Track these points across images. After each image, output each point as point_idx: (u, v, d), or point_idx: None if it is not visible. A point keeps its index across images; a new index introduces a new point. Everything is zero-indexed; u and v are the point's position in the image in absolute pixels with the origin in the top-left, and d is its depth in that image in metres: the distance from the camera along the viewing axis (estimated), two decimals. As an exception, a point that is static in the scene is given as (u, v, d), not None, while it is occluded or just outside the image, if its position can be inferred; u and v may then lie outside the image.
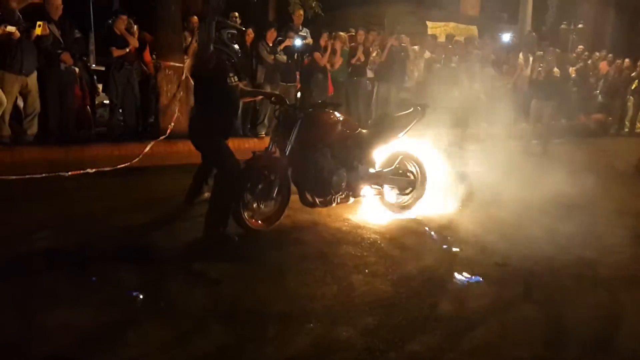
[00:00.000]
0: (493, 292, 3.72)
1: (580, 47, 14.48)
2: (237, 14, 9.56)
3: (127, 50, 7.91)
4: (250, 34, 8.75)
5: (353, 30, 10.66)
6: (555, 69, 11.02)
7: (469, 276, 3.97)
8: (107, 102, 8.53)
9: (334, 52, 9.49)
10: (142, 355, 2.77)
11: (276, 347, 2.91)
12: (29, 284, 3.53)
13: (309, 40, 9.62)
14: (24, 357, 2.76)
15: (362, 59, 10.03)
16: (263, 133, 8.86)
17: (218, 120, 4.51)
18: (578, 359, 2.99)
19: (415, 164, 5.43)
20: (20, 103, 7.21)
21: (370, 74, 10.39)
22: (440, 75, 10.43)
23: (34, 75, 7.03)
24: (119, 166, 6.79)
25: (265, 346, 2.91)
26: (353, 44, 10.25)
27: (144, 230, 4.64)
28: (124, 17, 7.99)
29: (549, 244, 4.74)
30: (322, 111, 4.89)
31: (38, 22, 6.76)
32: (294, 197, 4.82)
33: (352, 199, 5.10)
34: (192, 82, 8.36)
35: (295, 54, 9.29)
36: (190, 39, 8.44)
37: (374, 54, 10.23)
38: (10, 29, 6.62)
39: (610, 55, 14.00)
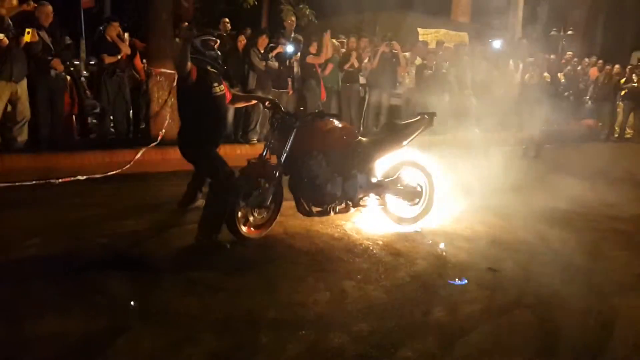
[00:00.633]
0: (486, 297, 3.72)
1: (570, 53, 14.60)
2: (227, 19, 9.58)
3: (119, 57, 7.89)
4: (242, 40, 8.76)
5: (343, 36, 10.70)
6: (545, 74, 11.10)
7: (461, 282, 3.97)
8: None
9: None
10: (132, 364, 2.75)
11: (268, 354, 2.89)
12: (18, 292, 3.48)
13: (300, 39, 9.64)
14: (12, 367, 2.73)
15: (356, 64, 10.07)
16: (255, 139, 8.85)
17: (206, 130, 4.50)
18: (571, 364, 2.99)
19: (422, 175, 5.19)
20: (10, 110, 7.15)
21: (362, 80, 10.43)
22: (431, 81, 10.48)
23: (24, 82, 7.00)
24: (109, 173, 6.75)
25: (258, 354, 2.89)
26: (344, 50, 10.29)
27: (135, 237, 4.60)
28: (116, 23, 7.97)
29: (541, 249, 4.76)
30: (319, 119, 4.81)
31: (27, 29, 6.74)
32: (287, 204, 4.80)
33: (352, 209, 4.95)
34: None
35: (287, 61, 9.30)
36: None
37: (366, 60, 10.27)
38: (0, 36, 6.59)
39: (600, 61, 14.13)
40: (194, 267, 3.97)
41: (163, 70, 8.06)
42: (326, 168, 4.69)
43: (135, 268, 3.97)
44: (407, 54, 10.94)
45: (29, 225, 4.76)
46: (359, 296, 3.62)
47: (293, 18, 10.38)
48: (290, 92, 9.44)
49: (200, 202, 4.92)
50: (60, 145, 7.31)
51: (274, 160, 4.63)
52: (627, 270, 4.36)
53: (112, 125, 8.24)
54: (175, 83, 8.10)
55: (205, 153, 4.49)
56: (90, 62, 9.64)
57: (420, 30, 13.71)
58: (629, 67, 13.93)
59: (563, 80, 12.76)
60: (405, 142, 5.13)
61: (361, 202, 4.98)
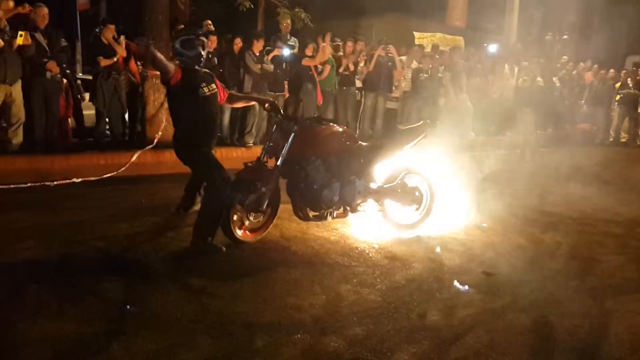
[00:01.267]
0: (481, 301, 3.73)
1: (565, 57, 14.67)
2: (209, 21, 9.57)
3: (115, 59, 7.88)
4: (238, 43, 8.76)
5: (339, 40, 10.71)
6: (539, 79, 11.14)
7: (457, 285, 3.98)
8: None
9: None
10: (127, 368, 2.74)
11: (264, 358, 2.89)
12: (12, 295, 3.47)
13: (296, 50, 9.65)
14: (6, 371, 2.72)
15: (352, 68, 10.09)
16: (251, 142, 8.84)
17: (197, 131, 4.46)
18: (566, 367, 3.00)
19: (422, 181, 5.19)
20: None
21: (358, 83, 10.44)
22: (427, 85, 10.51)
23: (18, 84, 6.98)
24: (105, 176, 6.74)
25: (253, 358, 2.89)
26: (341, 53, 10.30)
27: (130, 240, 4.59)
28: (112, 26, 7.96)
29: (536, 253, 4.78)
30: (317, 124, 4.79)
31: (20, 32, 6.73)
32: (284, 207, 4.80)
33: (350, 214, 4.92)
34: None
35: (284, 64, 9.31)
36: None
37: (362, 64, 10.29)
38: (-5, 37, 6.58)
39: (595, 65, 14.20)
40: (189, 271, 3.97)
41: (159, 72, 8.04)
42: (324, 173, 4.67)
43: (131, 271, 3.97)
44: (403, 57, 10.97)
45: (23, 228, 4.75)
46: (355, 300, 3.62)
47: (288, 21, 10.38)
48: (287, 95, 9.44)
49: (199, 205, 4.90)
50: (55, 148, 7.29)
51: (271, 163, 4.62)
52: (621, 274, 4.39)
53: (107, 127, 8.22)
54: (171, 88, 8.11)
55: (199, 154, 4.47)
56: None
57: (416, 34, 13.74)
58: (623, 71, 13.99)
59: (558, 84, 12.81)
60: (406, 148, 5.11)
61: (360, 208, 4.95)
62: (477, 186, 6.27)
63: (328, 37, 9.59)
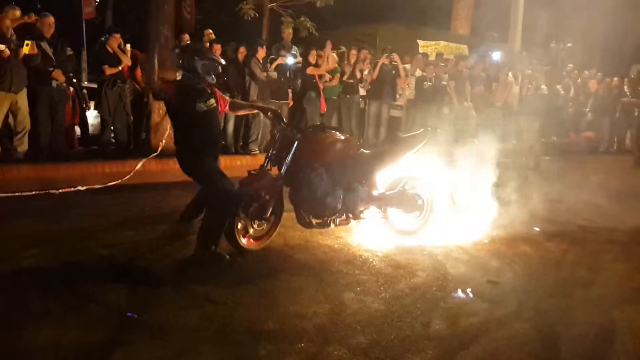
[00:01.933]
0: (485, 310, 3.71)
1: (570, 65, 14.67)
2: (210, 30, 9.64)
3: (120, 68, 7.93)
4: (243, 51, 8.81)
5: (343, 47, 10.75)
6: (543, 86, 11.13)
7: (461, 294, 3.96)
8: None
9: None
10: (130, 376, 2.74)
11: (267, 367, 2.88)
12: (16, 303, 3.48)
13: (299, 60, 9.69)
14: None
15: (359, 75, 10.13)
16: (256, 150, 8.87)
17: (195, 144, 4.42)
18: (571, 377, 2.98)
19: (424, 188, 5.21)
20: (11, 121, 7.18)
21: (362, 91, 10.47)
22: (431, 93, 10.52)
23: (24, 92, 7.03)
24: (109, 184, 6.77)
25: (256, 366, 2.88)
26: (345, 62, 10.34)
27: (135, 248, 4.60)
28: (117, 35, 8.03)
29: (541, 261, 4.75)
30: (320, 132, 4.80)
31: (26, 42, 6.79)
32: (287, 215, 4.80)
33: (352, 222, 4.93)
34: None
35: (288, 72, 9.35)
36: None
37: (366, 72, 10.32)
38: (0, 47, 6.63)
39: (599, 73, 14.19)
40: (193, 279, 3.96)
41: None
42: (327, 181, 4.67)
43: (135, 279, 3.96)
44: (407, 65, 11.00)
45: (28, 235, 4.76)
46: (358, 308, 3.61)
47: (290, 30, 10.42)
48: (291, 103, 9.47)
49: None
50: (60, 156, 7.33)
51: (275, 171, 4.63)
52: (626, 283, 4.35)
53: (112, 136, 8.26)
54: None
55: (200, 165, 4.46)
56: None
57: (420, 42, 13.76)
58: (626, 79, 13.97)
59: (562, 92, 12.81)
60: (408, 155, 5.12)
61: (362, 215, 4.96)
62: (480, 194, 6.24)
63: (329, 46, 9.64)
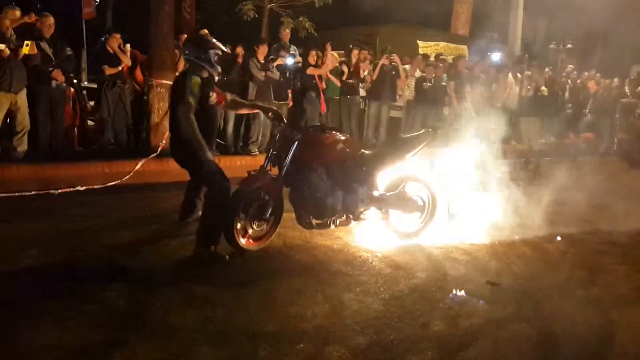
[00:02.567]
0: (485, 311, 3.71)
1: (571, 66, 14.67)
2: (206, 31, 9.64)
3: (120, 68, 7.93)
4: (241, 51, 8.80)
5: (353, 44, 10.76)
6: (543, 87, 11.13)
7: (460, 295, 3.96)
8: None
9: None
10: (129, 377, 2.73)
11: (266, 367, 2.88)
12: (15, 303, 3.48)
13: (298, 60, 9.69)
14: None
15: (361, 76, 10.13)
16: (256, 150, 8.86)
17: (195, 137, 4.40)
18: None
19: (425, 189, 5.19)
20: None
21: (362, 92, 10.47)
22: (430, 94, 10.52)
23: (24, 92, 7.03)
24: (109, 184, 6.76)
25: (255, 367, 2.88)
26: (344, 58, 10.35)
27: (134, 248, 4.60)
28: (118, 35, 8.02)
29: (540, 262, 4.76)
30: (320, 132, 4.79)
31: (26, 42, 6.79)
32: (287, 215, 4.80)
33: (353, 222, 4.92)
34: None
35: (287, 72, 9.35)
36: (179, 55, 8.49)
37: (366, 73, 10.33)
38: (0, 46, 6.64)
39: (598, 74, 14.19)
40: (192, 279, 3.96)
41: (164, 81, 8.09)
42: (327, 181, 4.66)
43: (134, 280, 3.96)
44: (407, 66, 11.00)
45: (27, 235, 4.76)
46: (358, 309, 3.61)
47: (288, 30, 10.43)
48: (290, 103, 9.47)
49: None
50: (60, 156, 7.32)
51: (275, 172, 4.63)
52: (626, 284, 4.36)
53: (112, 136, 8.26)
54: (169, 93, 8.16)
55: (202, 162, 4.43)
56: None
57: (420, 43, 13.77)
58: (627, 80, 13.98)
59: (560, 93, 12.81)
60: (408, 156, 5.11)
61: (362, 216, 4.95)
62: (480, 195, 6.24)
63: (329, 47, 9.65)
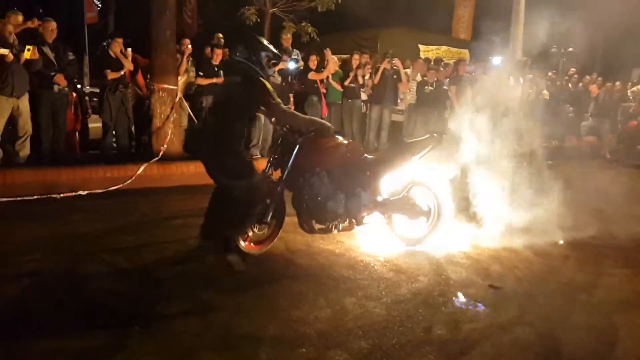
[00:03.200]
0: (487, 315, 3.70)
1: (573, 69, 14.67)
2: (220, 35, 9.66)
3: (122, 72, 7.95)
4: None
5: (360, 47, 10.78)
6: (545, 91, 11.12)
7: (463, 299, 3.95)
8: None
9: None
10: (131, 381, 2.73)
11: (268, 372, 2.87)
12: (17, 307, 3.48)
13: (301, 64, 9.71)
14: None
15: (362, 81, 10.14)
16: (257, 154, 8.87)
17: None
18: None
19: (430, 194, 5.14)
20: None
21: (363, 96, 10.48)
22: (432, 97, 10.53)
23: (26, 97, 7.05)
24: (111, 188, 6.77)
25: (257, 371, 2.88)
26: (343, 60, 10.38)
27: (135, 252, 4.60)
28: (120, 40, 8.04)
29: (542, 266, 4.75)
30: (321, 136, 4.71)
31: (27, 47, 6.82)
32: (289, 220, 4.80)
33: (355, 227, 4.88)
34: (185, 103, 8.46)
35: (289, 77, 9.37)
36: (181, 59, 8.51)
37: (367, 77, 10.34)
38: (4, 51, 6.66)
39: (600, 78, 14.19)
40: (194, 284, 3.96)
41: (166, 86, 8.11)
42: (329, 185, 4.63)
43: (135, 284, 3.96)
44: (408, 70, 11.02)
45: (29, 240, 4.77)
46: (360, 313, 3.60)
47: (289, 35, 10.44)
48: (292, 107, 9.48)
49: None
50: (62, 161, 7.34)
51: (277, 175, 4.62)
52: (628, 288, 4.35)
53: (114, 140, 8.27)
54: (183, 93, 8.18)
55: (240, 160, 4.33)
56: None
57: (421, 46, 13.80)
58: (629, 84, 13.98)
59: (562, 97, 12.82)
60: (412, 161, 5.08)
61: (365, 221, 4.90)
62: (482, 199, 6.23)
63: (328, 52, 9.67)
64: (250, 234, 4.53)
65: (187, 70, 8.65)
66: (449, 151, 5.77)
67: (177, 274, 4.18)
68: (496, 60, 13.64)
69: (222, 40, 9.59)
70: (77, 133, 8.21)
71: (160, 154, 7.82)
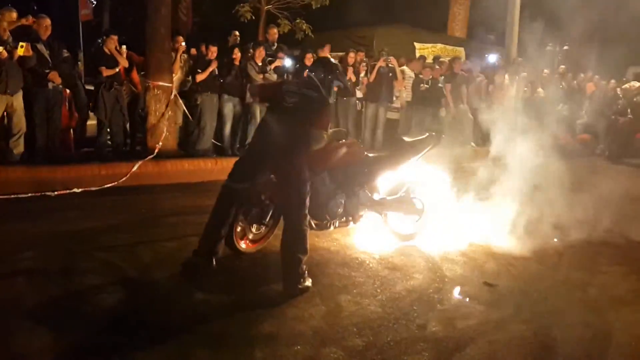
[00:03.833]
0: (482, 312, 3.71)
1: (562, 66, 14.71)
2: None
3: (117, 69, 7.92)
4: (237, 53, 8.79)
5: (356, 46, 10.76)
6: (540, 90, 11.14)
7: (458, 296, 3.97)
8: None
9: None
10: (126, 379, 2.73)
11: (263, 369, 2.87)
12: (11, 306, 3.46)
13: (282, 56, 9.68)
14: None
15: (354, 79, 10.12)
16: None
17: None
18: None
19: (424, 192, 5.22)
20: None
21: (359, 94, 10.47)
22: (427, 95, 10.54)
23: (19, 94, 7.01)
24: (106, 186, 6.75)
25: (252, 369, 2.88)
26: (339, 58, 10.34)
27: (131, 250, 4.59)
28: (115, 37, 8.00)
29: (537, 263, 4.76)
30: (330, 141, 4.75)
31: (20, 43, 6.78)
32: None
33: (351, 224, 4.93)
34: (180, 101, 8.43)
35: (285, 74, 9.35)
36: (175, 56, 8.48)
37: (362, 74, 10.33)
38: (-1, 48, 6.62)
39: (596, 76, 14.22)
40: (189, 282, 3.95)
41: (161, 83, 8.08)
42: (329, 185, 4.65)
43: (130, 282, 3.96)
44: (404, 68, 11.01)
45: (23, 238, 4.75)
46: (355, 310, 3.61)
47: (275, 30, 10.38)
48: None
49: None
50: (56, 158, 7.30)
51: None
52: (622, 285, 4.37)
53: (109, 138, 8.24)
54: (177, 90, 8.16)
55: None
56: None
57: (417, 44, 13.78)
58: (623, 80, 14.03)
59: (557, 95, 12.84)
60: (411, 160, 5.13)
61: (361, 218, 4.96)
62: (478, 196, 6.25)
63: (327, 49, 9.65)
64: (250, 235, 4.52)
65: (181, 67, 8.62)
66: (442, 149, 5.78)
67: (173, 272, 4.17)
68: (491, 58, 13.67)
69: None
70: (71, 130, 8.16)
71: (156, 151, 7.79)
